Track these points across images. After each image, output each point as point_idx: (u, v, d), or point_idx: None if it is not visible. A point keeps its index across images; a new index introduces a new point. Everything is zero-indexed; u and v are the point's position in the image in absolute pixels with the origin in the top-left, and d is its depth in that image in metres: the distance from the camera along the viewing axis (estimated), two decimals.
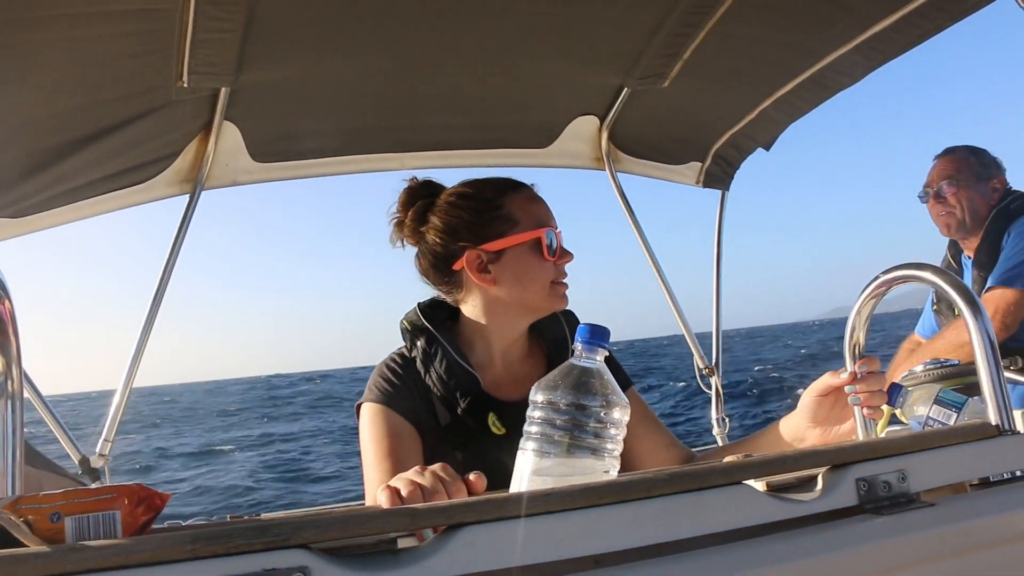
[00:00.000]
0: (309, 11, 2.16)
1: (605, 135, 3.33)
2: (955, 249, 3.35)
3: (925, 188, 3.27)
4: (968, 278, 3.20)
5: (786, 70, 2.91)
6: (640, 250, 3.65)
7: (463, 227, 1.81)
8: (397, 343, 1.90)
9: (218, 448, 24.79)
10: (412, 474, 1.18)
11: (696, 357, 3.76)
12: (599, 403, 1.06)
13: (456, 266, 1.82)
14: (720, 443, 3.78)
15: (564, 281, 1.83)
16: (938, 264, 3.36)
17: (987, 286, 2.95)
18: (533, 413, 1.10)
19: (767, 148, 3.47)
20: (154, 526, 1.03)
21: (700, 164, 3.60)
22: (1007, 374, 2.75)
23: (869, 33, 2.52)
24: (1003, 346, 2.79)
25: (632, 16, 2.40)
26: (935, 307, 3.32)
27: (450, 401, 1.76)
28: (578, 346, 1.11)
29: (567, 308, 1.93)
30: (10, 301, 0.97)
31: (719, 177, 3.66)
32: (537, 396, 1.09)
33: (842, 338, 1.48)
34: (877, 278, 1.36)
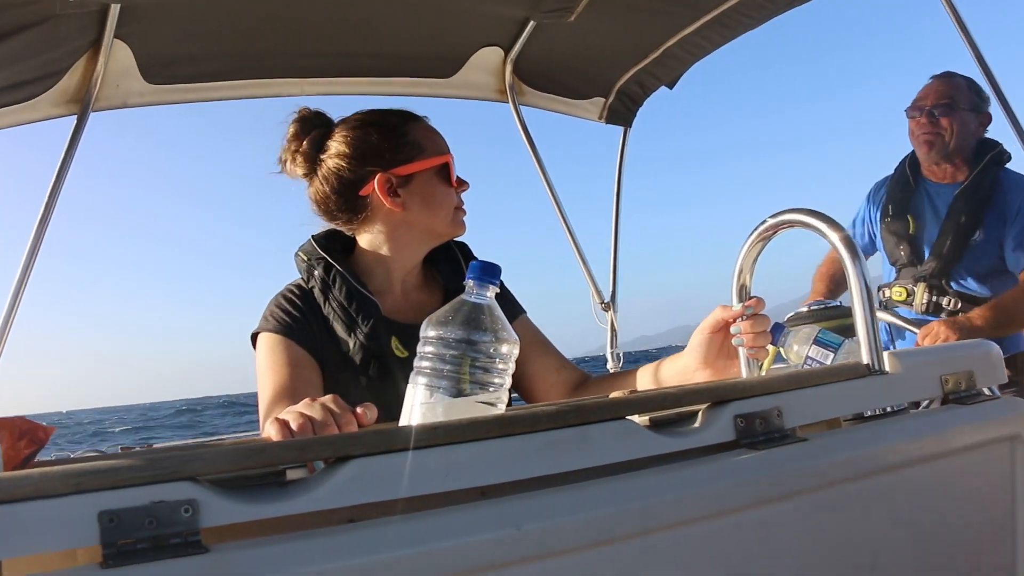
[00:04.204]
0: None
1: (509, 67, 3.31)
2: (914, 168, 3.36)
3: (917, 103, 3.24)
4: (939, 203, 3.25)
5: (691, 10, 2.94)
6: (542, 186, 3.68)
7: (372, 151, 1.80)
8: None
9: None
10: (303, 406, 1.18)
11: (592, 292, 3.83)
12: (489, 339, 1.08)
13: (364, 191, 1.81)
14: None
15: (464, 208, 1.88)
16: (888, 176, 3.46)
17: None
18: (424, 348, 1.11)
19: (670, 87, 3.53)
20: (41, 459, 1.01)
21: (604, 100, 3.63)
22: None
23: None
24: None
25: None
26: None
27: (351, 327, 1.76)
28: (470, 282, 1.12)
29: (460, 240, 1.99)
30: None
31: (622, 114, 3.70)
32: (428, 331, 1.10)
33: None
34: (765, 222, 1.40)
